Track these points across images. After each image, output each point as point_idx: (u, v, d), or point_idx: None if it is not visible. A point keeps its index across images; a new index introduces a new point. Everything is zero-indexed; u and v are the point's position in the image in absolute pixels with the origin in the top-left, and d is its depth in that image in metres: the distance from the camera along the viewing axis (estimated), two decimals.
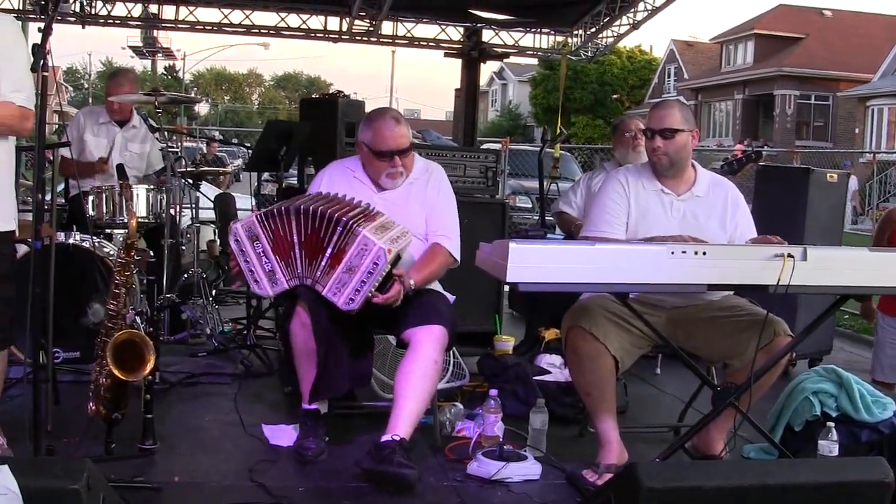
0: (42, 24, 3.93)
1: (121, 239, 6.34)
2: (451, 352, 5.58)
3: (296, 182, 8.10)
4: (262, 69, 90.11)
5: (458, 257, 4.90)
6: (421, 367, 4.47)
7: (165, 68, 68.31)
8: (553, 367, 5.85)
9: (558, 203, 7.10)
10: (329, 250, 4.43)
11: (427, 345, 4.50)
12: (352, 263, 4.34)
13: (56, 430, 4.64)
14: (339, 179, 4.94)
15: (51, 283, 4.71)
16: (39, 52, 3.79)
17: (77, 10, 11.25)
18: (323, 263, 4.44)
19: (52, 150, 6.27)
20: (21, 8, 11.06)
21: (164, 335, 6.64)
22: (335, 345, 4.51)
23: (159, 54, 61.78)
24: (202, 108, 62.93)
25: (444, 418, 5.16)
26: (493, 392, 4.92)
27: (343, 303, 4.36)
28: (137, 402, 4.60)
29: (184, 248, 7.44)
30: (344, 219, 4.41)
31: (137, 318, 5.58)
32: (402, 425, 4.36)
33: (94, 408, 4.52)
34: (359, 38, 12.21)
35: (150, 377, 4.49)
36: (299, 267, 4.52)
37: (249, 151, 15.33)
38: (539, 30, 12.52)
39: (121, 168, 5.22)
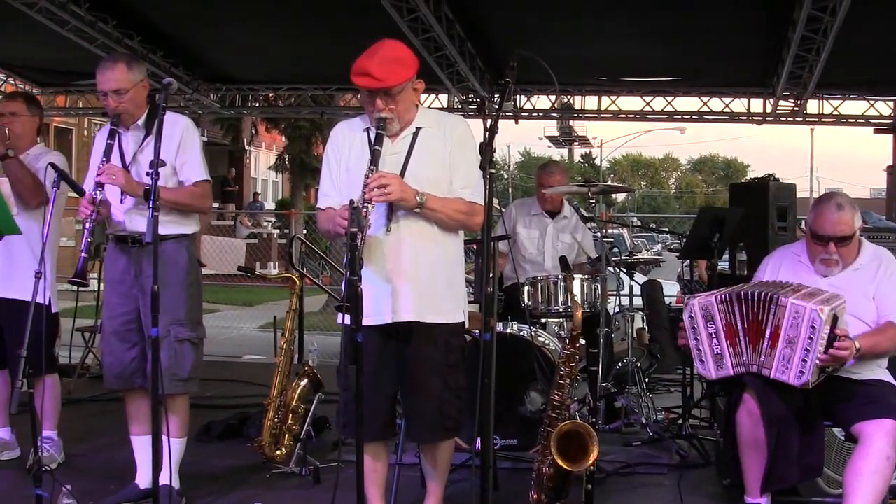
0: (487, 123, 4.12)
1: (555, 328, 6.48)
2: None
3: (727, 268, 7.95)
4: (677, 153, 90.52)
5: None
6: (873, 464, 4.28)
7: (582, 156, 70.20)
8: None
9: None
10: (768, 331, 4.39)
11: (879, 440, 4.31)
12: (789, 336, 4.28)
13: None
14: (786, 264, 4.90)
15: (492, 373, 4.85)
16: (486, 150, 3.97)
17: (513, 106, 11.73)
18: (765, 345, 4.41)
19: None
20: (449, 106, 11.69)
21: (599, 424, 6.65)
22: (785, 433, 4.41)
23: (576, 143, 63.54)
24: (619, 195, 63.81)
25: None
26: None
27: (794, 379, 4.28)
28: (577, 490, 4.64)
29: (614, 335, 7.47)
30: (772, 295, 4.39)
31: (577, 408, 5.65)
32: None
33: (535, 496, 4.64)
34: (783, 118, 11.93)
35: (591, 467, 4.52)
36: (745, 354, 4.50)
37: (668, 237, 15.36)
38: None
39: (563, 260, 5.36)
